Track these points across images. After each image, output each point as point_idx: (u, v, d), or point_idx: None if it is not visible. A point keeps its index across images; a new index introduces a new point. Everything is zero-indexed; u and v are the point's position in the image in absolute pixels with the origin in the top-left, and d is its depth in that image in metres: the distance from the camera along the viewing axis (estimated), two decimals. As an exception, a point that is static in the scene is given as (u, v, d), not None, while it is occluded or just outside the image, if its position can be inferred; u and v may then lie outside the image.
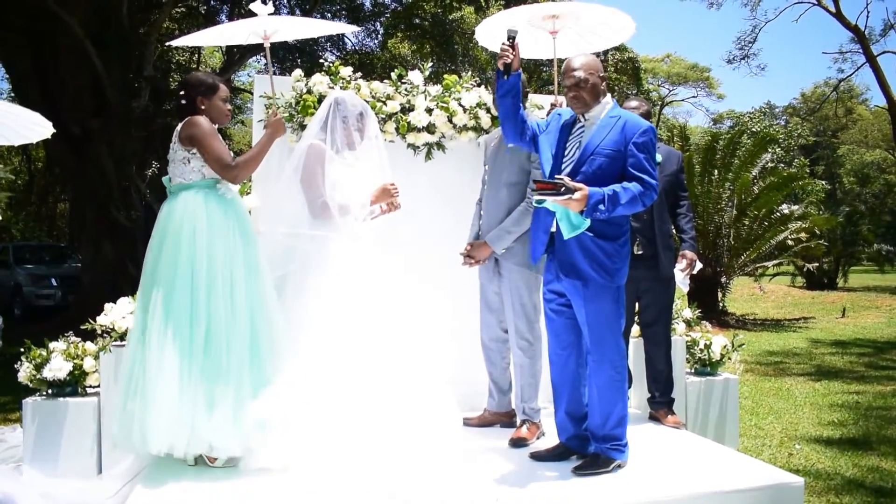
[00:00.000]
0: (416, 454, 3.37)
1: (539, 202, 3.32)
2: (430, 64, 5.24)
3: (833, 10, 22.17)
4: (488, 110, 4.61)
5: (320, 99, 4.31)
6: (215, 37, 4.52)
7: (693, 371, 5.03)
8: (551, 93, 4.95)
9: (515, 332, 4.00)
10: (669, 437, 4.14)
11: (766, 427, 5.72)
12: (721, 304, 14.23)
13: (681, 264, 4.37)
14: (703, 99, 41.24)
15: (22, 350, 4.19)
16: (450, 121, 4.56)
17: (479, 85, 4.78)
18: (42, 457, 4.04)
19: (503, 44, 3.39)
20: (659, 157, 4.38)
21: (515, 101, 3.46)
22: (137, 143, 13.31)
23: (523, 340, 3.98)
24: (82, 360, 4.16)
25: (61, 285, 13.94)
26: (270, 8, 4.03)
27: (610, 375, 3.41)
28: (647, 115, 4.44)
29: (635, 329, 4.68)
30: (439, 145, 4.63)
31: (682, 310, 5.07)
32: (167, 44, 5.04)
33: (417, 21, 20.03)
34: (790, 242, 14.61)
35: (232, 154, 3.57)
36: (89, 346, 4.23)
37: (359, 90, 4.44)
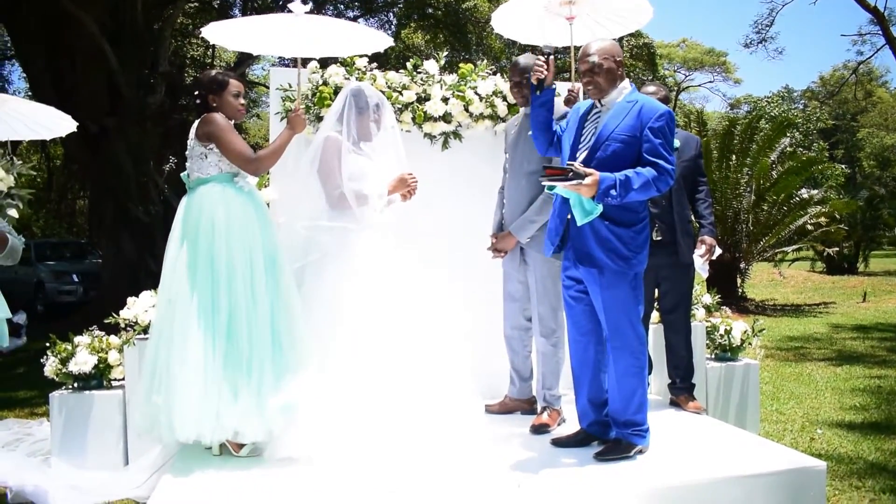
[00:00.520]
0: (439, 442, 3.39)
1: (550, 188, 3.33)
2: (445, 53, 5.23)
3: (851, -9, 21.86)
4: (504, 98, 4.61)
5: (336, 90, 4.32)
6: (250, 37, 4.33)
7: (713, 357, 5.01)
8: (567, 80, 4.93)
9: (539, 321, 4.01)
10: (690, 422, 4.14)
11: (788, 412, 5.70)
12: (740, 290, 14.14)
13: (700, 250, 4.35)
14: (720, 84, 41.06)
15: (47, 345, 4.26)
16: (466, 109, 4.56)
17: (494, 73, 4.78)
18: (69, 449, 4.10)
19: (537, 60, 3.46)
20: (677, 143, 4.37)
21: (548, 115, 3.54)
22: (154, 139, 13.39)
23: (547, 328, 3.99)
24: (107, 353, 4.23)
25: (82, 281, 14.08)
26: (308, 6, 4.01)
27: (629, 362, 3.41)
28: (664, 101, 4.42)
29: (655, 315, 4.67)
30: (456, 134, 4.63)
31: (702, 295, 5.06)
32: (198, 31, 4.84)
33: (430, 11, 20.00)
34: (810, 227, 14.47)
35: (251, 147, 3.61)
36: (113, 339, 4.29)
37: (374, 81, 4.45)
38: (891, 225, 21.48)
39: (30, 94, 15.06)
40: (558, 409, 4.02)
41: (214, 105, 3.60)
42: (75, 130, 4.54)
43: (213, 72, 3.81)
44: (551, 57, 3.48)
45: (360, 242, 3.68)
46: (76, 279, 14.15)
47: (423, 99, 4.55)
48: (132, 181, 12.41)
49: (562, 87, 4.70)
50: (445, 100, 4.54)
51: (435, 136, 4.61)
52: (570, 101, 4.22)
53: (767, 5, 31.58)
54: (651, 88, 4.41)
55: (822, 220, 14.74)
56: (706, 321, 4.94)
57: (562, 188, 3.23)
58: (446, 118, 4.55)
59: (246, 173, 3.65)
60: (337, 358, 3.46)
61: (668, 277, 4.38)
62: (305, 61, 4.30)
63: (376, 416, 3.38)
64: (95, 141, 12.04)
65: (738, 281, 14.04)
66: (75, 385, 4.22)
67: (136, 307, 4.27)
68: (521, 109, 4.19)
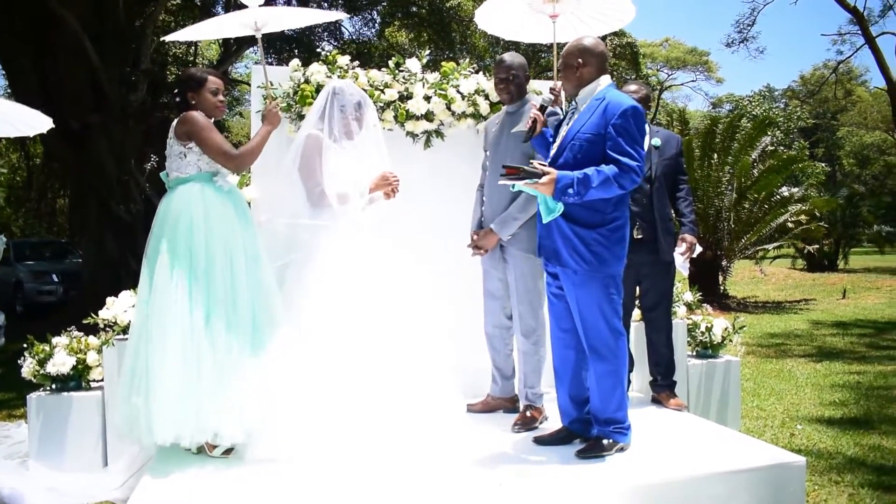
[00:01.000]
0: (419, 440, 3.39)
1: (513, 187, 3.36)
2: (428, 52, 5.23)
3: (831, -9, 22.04)
4: (486, 97, 4.61)
5: (318, 89, 4.30)
6: (210, 30, 4.49)
7: (694, 354, 5.04)
8: (550, 78, 4.94)
9: (519, 319, 4.00)
10: (672, 419, 4.16)
11: (768, 408, 5.74)
12: (722, 288, 14.24)
13: (680, 248, 4.36)
14: (703, 83, 41.25)
15: (25, 346, 4.21)
16: (448, 108, 4.55)
17: (477, 72, 4.77)
18: (48, 451, 4.06)
19: (534, 113, 3.52)
20: (657, 142, 4.39)
21: (545, 138, 3.59)
22: (136, 137, 13.27)
23: (527, 327, 3.99)
24: (85, 354, 4.19)
25: (63, 281, 13.93)
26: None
27: (606, 360, 3.40)
28: (645, 99, 4.44)
29: (636, 313, 4.69)
30: (438, 133, 4.63)
31: (683, 293, 5.08)
32: (163, 39, 5.00)
33: (414, 9, 19.96)
34: (790, 225, 14.59)
35: (231, 145, 3.59)
36: (92, 340, 4.25)
37: (356, 79, 4.44)
38: (870, 222, 21.70)
39: (9, 91, 14.88)
40: (540, 407, 4.02)
41: (193, 102, 3.57)
42: (54, 127, 4.51)
43: (193, 69, 3.78)
44: (547, 108, 3.58)
45: (341, 240, 3.66)
46: (56, 279, 14.00)
47: (406, 97, 4.54)
48: (114, 179, 12.30)
49: (544, 86, 4.72)
50: (428, 98, 4.53)
51: (417, 135, 4.60)
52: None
53: (749, 5, 31.86)
54: (632, 87, 4.42)
55: (803, 217, 14.88)
56: (687, 319, 4.97)
57: (521, 186, 3.27)
58: (428, 116, 4.55)
59: (225, 172, 3.62)
60: (317, 358, 3.44)
61: (649, 275, 4.39)
62: (271, 52, 4.34)
63: (357, 414, 3.38)
64: (77, 139, 11.93)
65: (720, 278, 14.14)
66: (53, 386, 4.18)
67: (116, 307, 4.23)
68: (503, 107, 4.19)
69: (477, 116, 4.61)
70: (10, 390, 6.63)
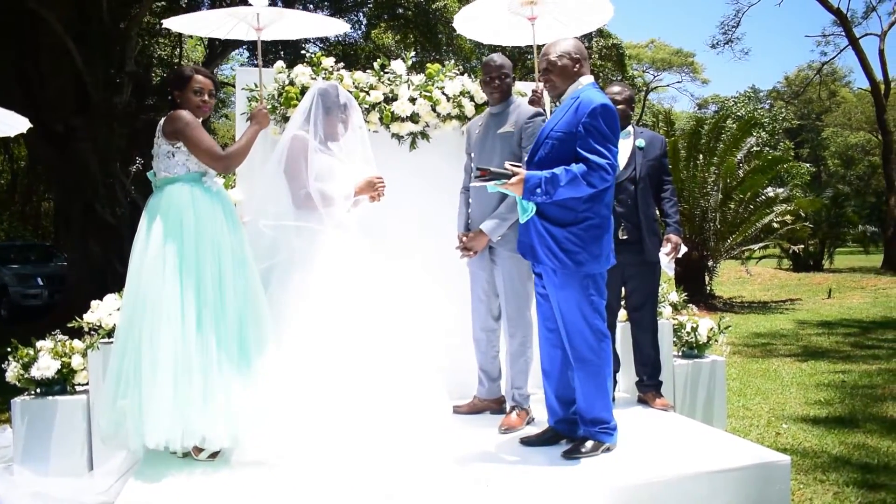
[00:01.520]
0: (405, 442, 3.39)
1: (487, 188, 3.40)
2: (414, 53, 5.24)
3: (815, -8, 22.21)
4: (472, 98, 4.61)
5: (303, 90, 4.29)
6: (210, 24, 4.42)
7: (680, 354, 5.06)
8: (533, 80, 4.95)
9: (507, 320, 4.01)
10: (658, 419, 4.17)
11: (754, 408, 5.78)
12: (708, 288, 14.31)
13: (665, 248, 4.38)
14: (688, 84, 41.67)
15: (9, 350, 4.17)
16: (433, 110, 4.55)
17: (462, 73, 4.78)
18: (32, 456, 4.02)
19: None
20: (642, 143, 4.41)
21: None
22: (121, 140, 13.20)
23: (515, 328, 3.99)
24: (70, 358, 4.15)
25: (48, 284, 13.85)
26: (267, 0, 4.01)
27: (588, 361, 3.40)
28: (629, 101, 4.46)
29: (622, 313, 4.70)
30: (423, 134, 4.62)
31: (669, 294, 5.11)
32: (162, 21, 4.86)
33: (400, 11, 19.96)
34: (776, 225, 14.68)
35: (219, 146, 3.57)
36: (77, 343, 4.21)
37: (342, 81, 4.43)
38: (855, 222, 21.88)
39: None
40: (527, 408, 4.03)
41: (178, 101, 3.55)
42: (35, 129, 4.48)
43: (181, 67, 3.75)
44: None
45: (326, 243, 3.65)
46: (41, 282, 13.90)
47: (391, 99, 4.53)
48: (99, 182, 12.23)
49: (526, 87, 4.74)
50: (413, 100, 4.53)
51: (402, 137, 4.60)
52: (534, 102, 4.26)
53: (734, 6, 32.07)
54: (616, 88, 4.44)
55: (788, 218, 14.98)
56: (673, 319, 4.99)
57: (494, 187, 3.31)
58: (414, 118, 4.55)
59: (213, 173, 3.60)
60: (303, 361, 3.43)
61: (635, 276, 4.40)
62: (268, 58, 4.32)
63: (343, 417, 3.37)
64: (61, 141, 11.86)
65: (706, 279, 14.21)
66: (38, 391, 4.14)
67: (101, 311, 4.20)
68: (487, 108, 4.20)
69: (462, 118, 4.61)
70: (-6, 395, 6.57)
